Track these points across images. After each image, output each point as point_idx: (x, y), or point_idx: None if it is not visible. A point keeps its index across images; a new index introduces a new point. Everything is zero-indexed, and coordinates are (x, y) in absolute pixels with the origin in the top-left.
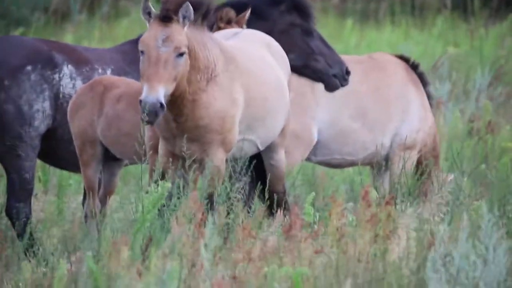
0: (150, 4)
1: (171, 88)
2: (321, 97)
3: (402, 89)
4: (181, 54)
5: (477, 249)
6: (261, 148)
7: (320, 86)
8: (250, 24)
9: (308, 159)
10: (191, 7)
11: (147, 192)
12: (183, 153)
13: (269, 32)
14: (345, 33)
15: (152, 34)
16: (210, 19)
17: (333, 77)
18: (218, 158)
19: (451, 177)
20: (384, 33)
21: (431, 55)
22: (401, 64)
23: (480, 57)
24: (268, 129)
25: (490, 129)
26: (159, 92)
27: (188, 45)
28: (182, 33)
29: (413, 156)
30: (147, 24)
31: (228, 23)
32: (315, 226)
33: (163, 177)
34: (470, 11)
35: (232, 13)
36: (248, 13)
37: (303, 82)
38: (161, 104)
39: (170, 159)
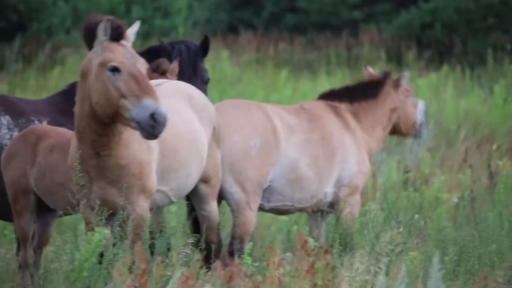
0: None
1: None
2: (282, 145)
3: (340, 136)
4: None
5: None
6: (174, 200)
7: (281, 133)
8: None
9: (260, 206)
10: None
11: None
12: (98, 202)
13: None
14: (280, 84)
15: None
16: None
17: None
18: (141, 206)
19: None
20: (319, 84)
21: None
22: (329, 109)
23: None
24: (181, 181)
25: (425, 180)
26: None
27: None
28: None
29: (358, 199)
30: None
31: (163, 74)
32: (258, 277)
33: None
34: (405, 63)
35: (166, 64)
36: (177, 63)
37: (268, 129)
38: None
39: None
